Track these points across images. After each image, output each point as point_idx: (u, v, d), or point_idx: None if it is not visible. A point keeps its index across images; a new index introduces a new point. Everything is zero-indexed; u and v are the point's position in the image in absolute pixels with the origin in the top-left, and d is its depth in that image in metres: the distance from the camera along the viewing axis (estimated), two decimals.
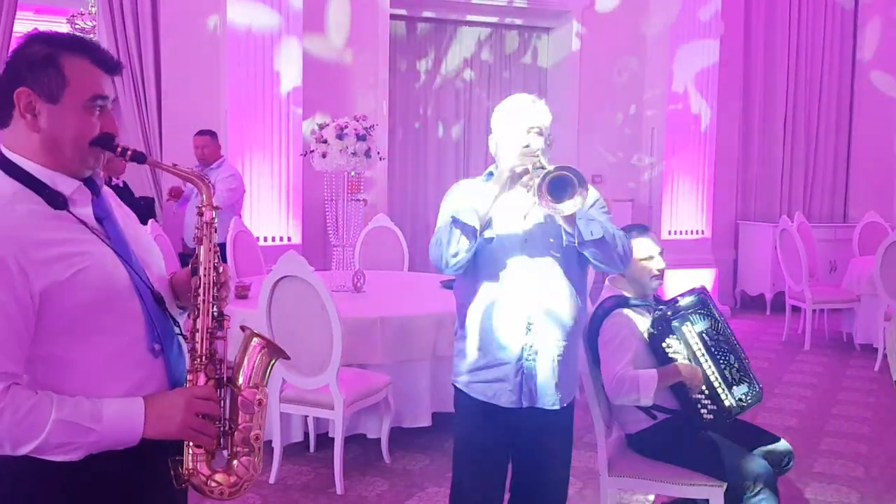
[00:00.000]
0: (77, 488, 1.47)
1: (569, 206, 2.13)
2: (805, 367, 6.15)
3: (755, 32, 8.50)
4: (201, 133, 5.96)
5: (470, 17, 8.04)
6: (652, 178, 8.17)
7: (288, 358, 1.70)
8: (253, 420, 1.57)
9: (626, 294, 2.97)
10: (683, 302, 2.95)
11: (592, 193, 2.33)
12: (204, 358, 1.56)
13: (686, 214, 7.93)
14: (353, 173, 4.75)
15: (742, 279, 8.64)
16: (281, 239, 6.54)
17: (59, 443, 1.40)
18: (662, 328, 2.87)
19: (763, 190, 8.73)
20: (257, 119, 6.42)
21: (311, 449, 4.18)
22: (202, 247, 1.59)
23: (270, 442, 3.89)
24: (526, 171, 2.22)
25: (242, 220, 5.80)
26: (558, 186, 2.12)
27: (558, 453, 2.49)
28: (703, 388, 2.85)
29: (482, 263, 2.35)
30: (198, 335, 1.57)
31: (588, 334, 2.93)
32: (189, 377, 1.57)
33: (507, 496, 2.52)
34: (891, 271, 5.96)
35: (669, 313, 2.89)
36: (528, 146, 2.28)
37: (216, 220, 1.62)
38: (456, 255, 2.26)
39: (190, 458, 1.53)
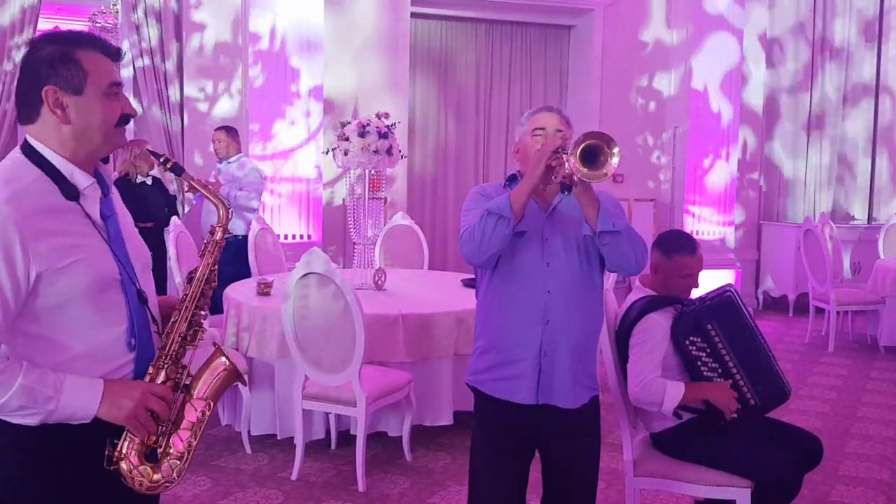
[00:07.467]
0: (33, 449, 1.56)
1: (608, 167, 2.14)
2: (829, 370, 6.08)
3: (779, 29, 8.42)
4: (219, 128, 6.06)
5: (491, 16, 8.02)
6: (674, 177, 8.12)
7: (245, 384, 1.77)
8: (192, 429, 1.66)
9: (655, 294, 2.95)
10: (709, 300, 2.92)
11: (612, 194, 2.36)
12: (168, 358, 1.67)
13: (708, 214, 7.88)
14: (373, 171, 4.74)
15: (765, 280, 8.56)
16: (301, 237, 6.56)
17: (19, 405, 1.50)
18: (686, 325, 2.84)
19: (787, 190, 8.65)
20: (278, 116, 6.44)
21: (333, 446, 4.18)
22: (203, 261, 1.74)
23: (292, 439, 3.91)
24: (560, 163, 2.20)
25: (263, 218, 5.81)
26: (589, 158, 2.15)
27: (584, 456, 2.45)
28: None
29: (503, 259, 2.35)
30: (170, 336, 1.68)
31: (618, 333, 2.92)
32: (150, 371, 1.66)
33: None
34: None
35: (694, 310, 2.86)
36: (557, 147, 2.27)
37: (223, 241, 1.75)
38: (491, 247, 2.24)
39: (126, 444, 1.61)
